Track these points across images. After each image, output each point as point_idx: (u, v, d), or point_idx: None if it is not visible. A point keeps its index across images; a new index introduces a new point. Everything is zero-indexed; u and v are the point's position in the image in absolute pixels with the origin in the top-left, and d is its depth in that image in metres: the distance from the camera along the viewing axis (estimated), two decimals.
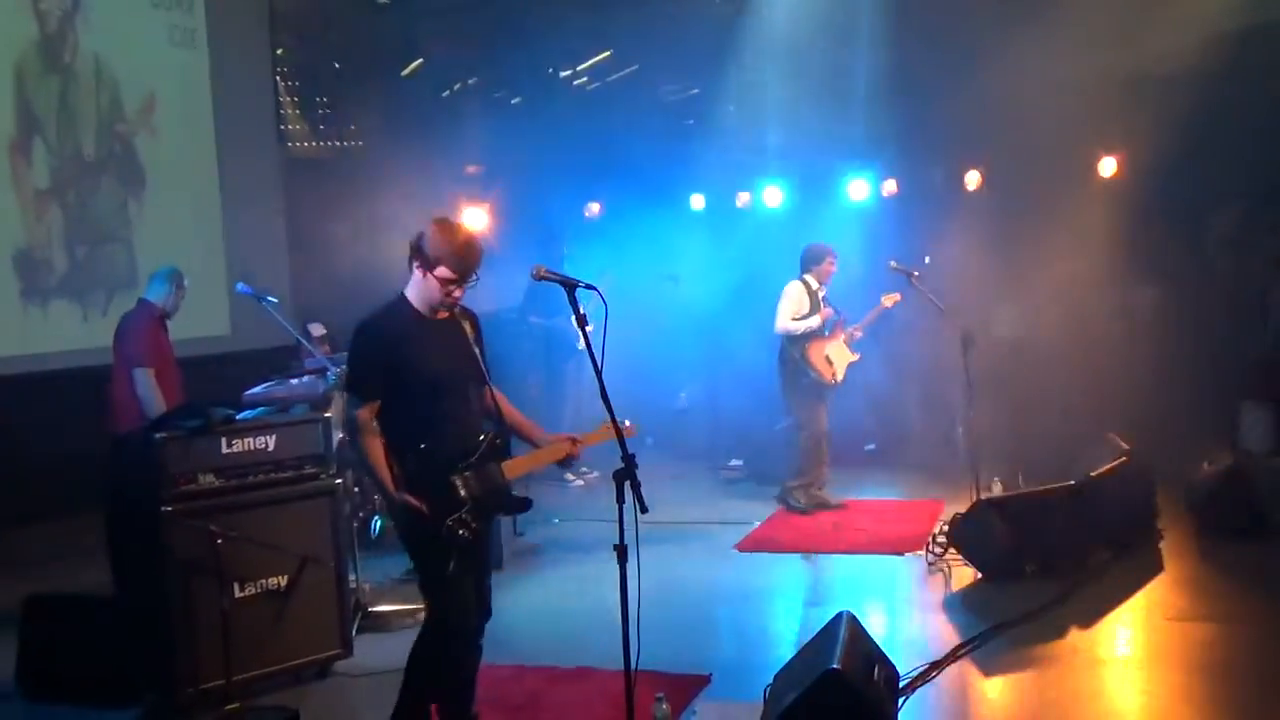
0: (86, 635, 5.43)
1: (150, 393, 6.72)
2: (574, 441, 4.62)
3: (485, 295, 4.80)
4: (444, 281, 4.38)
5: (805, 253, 8.73)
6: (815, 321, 8.54)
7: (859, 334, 8.80)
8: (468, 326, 4.59)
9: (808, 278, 8.65)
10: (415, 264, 4.42)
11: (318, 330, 9.16)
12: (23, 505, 8.26)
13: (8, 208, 8.86)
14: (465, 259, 4.38)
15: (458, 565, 4.33)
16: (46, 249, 9.15)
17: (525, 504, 4.62)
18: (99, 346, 8.53)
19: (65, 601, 5.70)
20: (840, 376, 8.63)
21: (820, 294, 8.66)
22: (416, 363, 4.37)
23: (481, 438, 4.46)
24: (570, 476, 10.22)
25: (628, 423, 4.27)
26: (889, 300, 8.78)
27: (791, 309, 8.58)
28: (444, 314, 4.51)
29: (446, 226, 4.46)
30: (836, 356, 8.65)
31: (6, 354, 8.66)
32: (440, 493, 4.31)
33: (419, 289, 4.46)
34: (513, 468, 4.51)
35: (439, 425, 4.38)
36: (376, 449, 4.33)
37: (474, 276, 4.43)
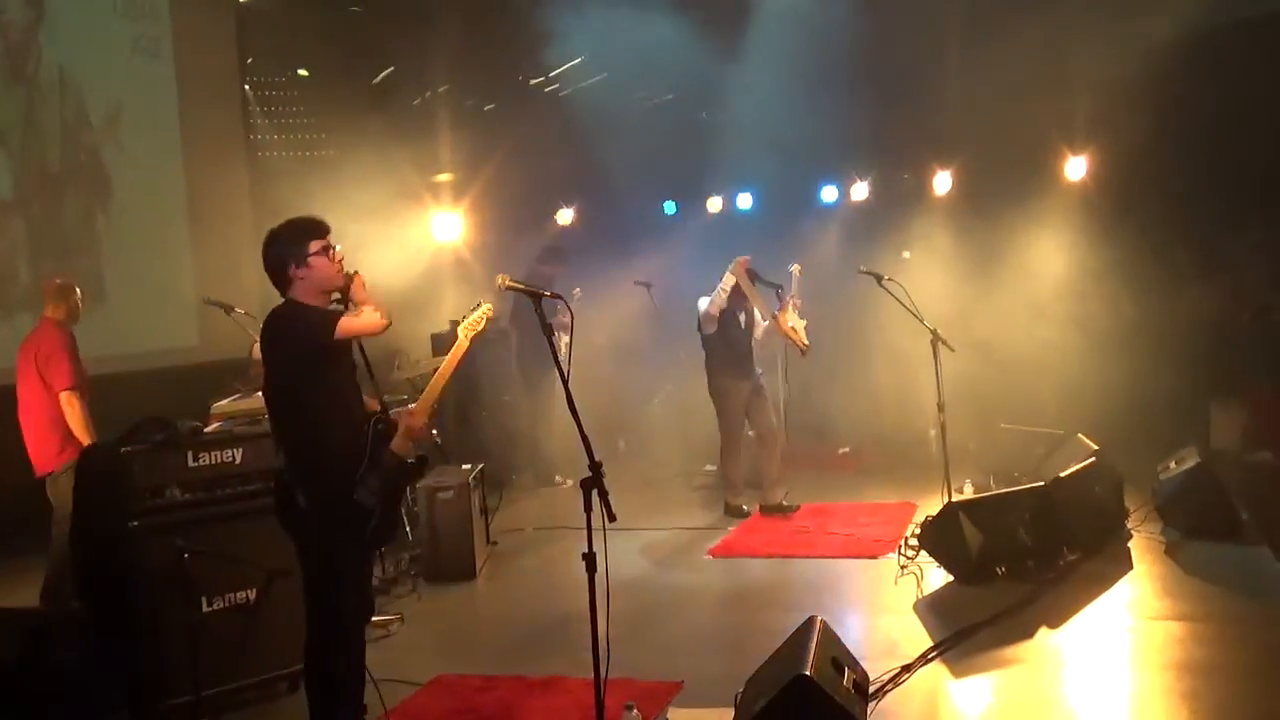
0: (52, 650, 5.36)
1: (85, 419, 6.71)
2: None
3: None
4: (324, 251, 4.53)
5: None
6: (726, 283, 8.62)
7: (799, 302, 8.87)
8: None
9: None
10: (291, 271, 4.52)
11: None
12: None
13: None
14: (313, 223, 4.59)
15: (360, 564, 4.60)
16: (11, 262, 9.08)
17: (422, 465, 4.80)
18: None
19: (29, 616, 5.64)
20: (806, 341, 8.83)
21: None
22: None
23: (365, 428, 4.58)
24: (560, 478, 10.23)
25: None
26: (796, 269, 8.99)
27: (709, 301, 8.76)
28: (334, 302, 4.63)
29: (277, 227, 4.62)
30: (797, 323, 8.81)
31: None
32: (349, 512, 4.47)
33: (311, 283, 4.53)
34: (398, 445, 4.62)
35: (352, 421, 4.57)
36: None
37: (328, 233, 4.58)
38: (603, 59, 12.32)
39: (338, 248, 4.58)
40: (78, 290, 7.06)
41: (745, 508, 8.90)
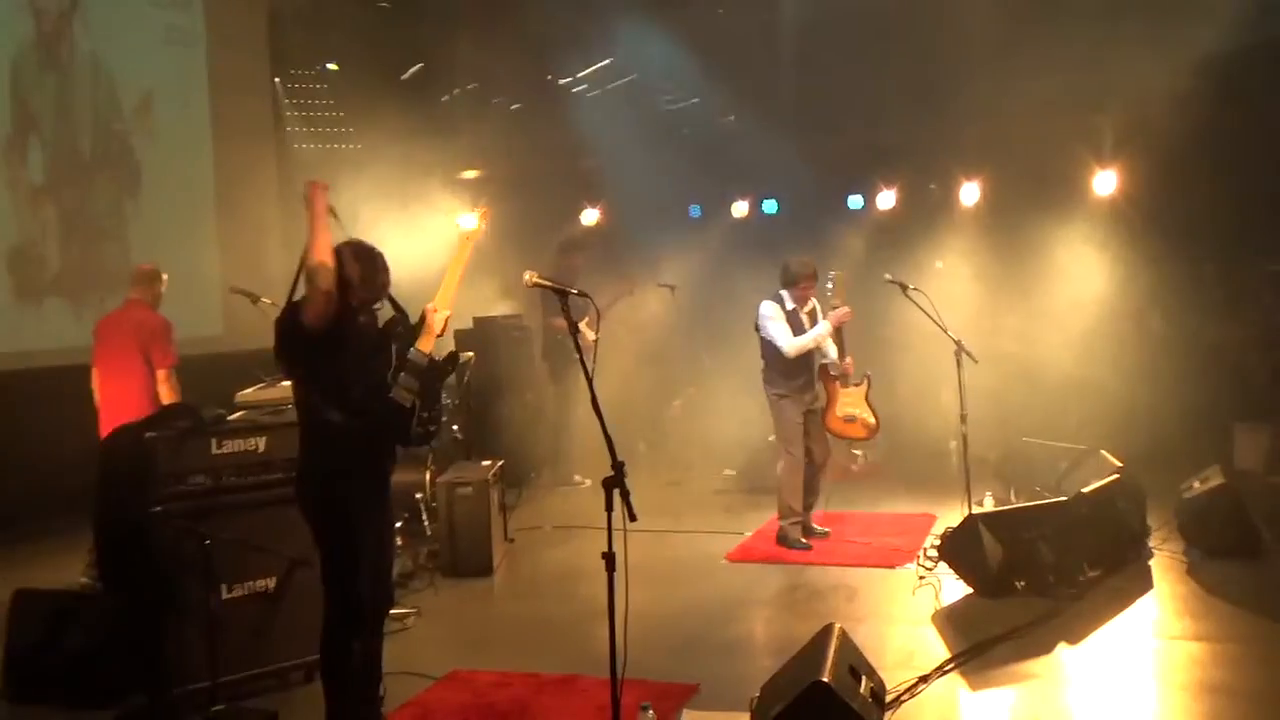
0: (73, 634, 5.41)
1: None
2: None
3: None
4: (380, 284, 4.65)
5: (783, 270, 8.04)
6: (824, 330, 7.85)
7: (851, 367, 8.14)
8: None
9: (784, 295, 8.00)
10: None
11: None
12: (10, 503, 8.25)
13: (3, 205, 8.86)
14: (377, 289, 4.65)
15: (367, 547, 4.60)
16: (41, 247, 9.15)
17: (453, 361, 4.91)
18: (91, 345, 8.53)
19: (52, 599, 5.68)
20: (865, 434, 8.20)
21: (802, 314, 8.00)
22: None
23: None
24: (579, 478, 10.24)
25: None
26: (836, 275, 8.01)
27: (785, 326, 7.89)
28: None
29: (363, 253, 4.62)
30: (857, 408, 8.09)
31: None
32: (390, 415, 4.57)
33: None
34: (424, 344, 4.73)
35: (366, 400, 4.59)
36: None
37: (380, 303, 4.67)
38: (631, 61, 12.35)
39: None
40: (164, 277, 7.47)
41: (805, 541, 8.04)
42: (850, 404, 8.11)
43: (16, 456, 8.23)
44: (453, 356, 4.88)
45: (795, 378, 7.96)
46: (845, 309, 7.87)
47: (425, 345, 4.69)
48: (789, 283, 8.01)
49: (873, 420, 8.15)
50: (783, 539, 8.08)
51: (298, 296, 4.54)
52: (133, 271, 7.59)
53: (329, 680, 4.59)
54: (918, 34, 10.75)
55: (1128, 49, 9.57)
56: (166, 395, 7.23)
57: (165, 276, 7.53)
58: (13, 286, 8.91)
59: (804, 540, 8.05)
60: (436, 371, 4.76)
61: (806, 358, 8.01)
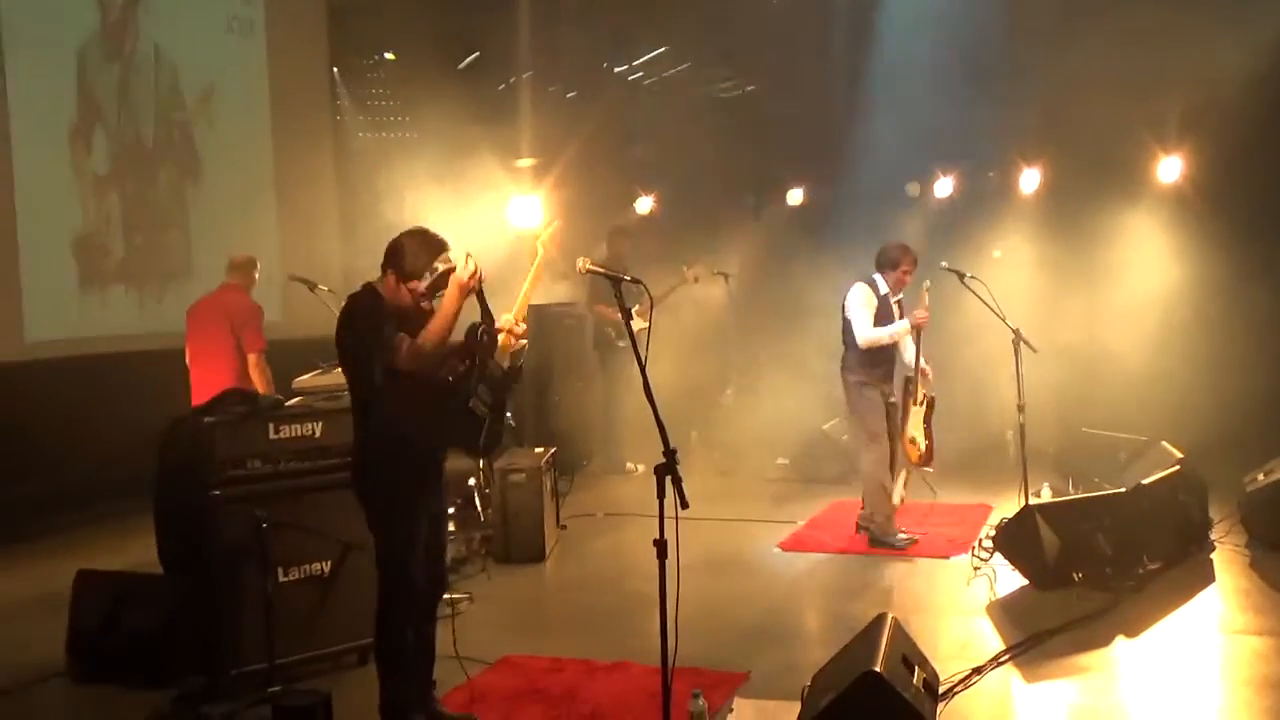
0: (133, 614, 5.52)
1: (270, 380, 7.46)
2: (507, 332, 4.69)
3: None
4: (414, 293, 4.54)
5: (881, 252, 7.72)
6: (902, 328, 7.54)
7: (929, 371, 7.78)
8: None
9: (879, 278, 7.65)
10: (389, 270, 4.56)
11: None
12: (76, 488, 8.42)
13: (68, 193, 9.03)
14: (439, 276, 4.53)
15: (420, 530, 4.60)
16: (105, 235, 9.31)
17: (516, 373, 4.78)
18: (154, 332, 8.69)
19: (113, 581, 5.79)
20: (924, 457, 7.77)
21: (894, 300, 7.67)
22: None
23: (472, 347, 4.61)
24: (631, 465, 10.26)
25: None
26: (926, 286, 7.65)
27: (870, 315, 7.54)
28: None
29: (427, 241, 4.58)
30: (917, 430, 7.72)
31: (64, 337, 8.83)
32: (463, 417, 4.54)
33: (389, 291, 4.58)
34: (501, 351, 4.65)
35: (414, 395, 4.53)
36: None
37: (440, 292, 4.56)
38: (686, 49, 12.31)
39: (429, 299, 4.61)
40: (259, 263, 7.85)
41: (906, 535, 7.66)
42: (912, 424, 7.75)
43: (81, 442, 8.40)
44: (515, 370, 4.76)
45: (877, 366, 7.65)
46: (926, 313, 7.50)
47: (496, 356, 4.63)
48: (889, 265, 7.62)
49: (924, 446, 7.74)
50: (878, 541, 7.61)
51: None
52: (229, 259, 7.85)
53: (382, 663, 4.64)
54: (978, 16, 10.59)
55: (1194, 29, 9.38)
56: (257, 379, 7.46)
57: (260, 263, 7.86)
58: (78, 275, 9.08)
59: (904, 535, 7.64)
60: (506, 383, 4.70)
61: (890, 348, 7.69)
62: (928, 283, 7.65)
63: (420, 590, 4.65)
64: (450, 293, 4.47)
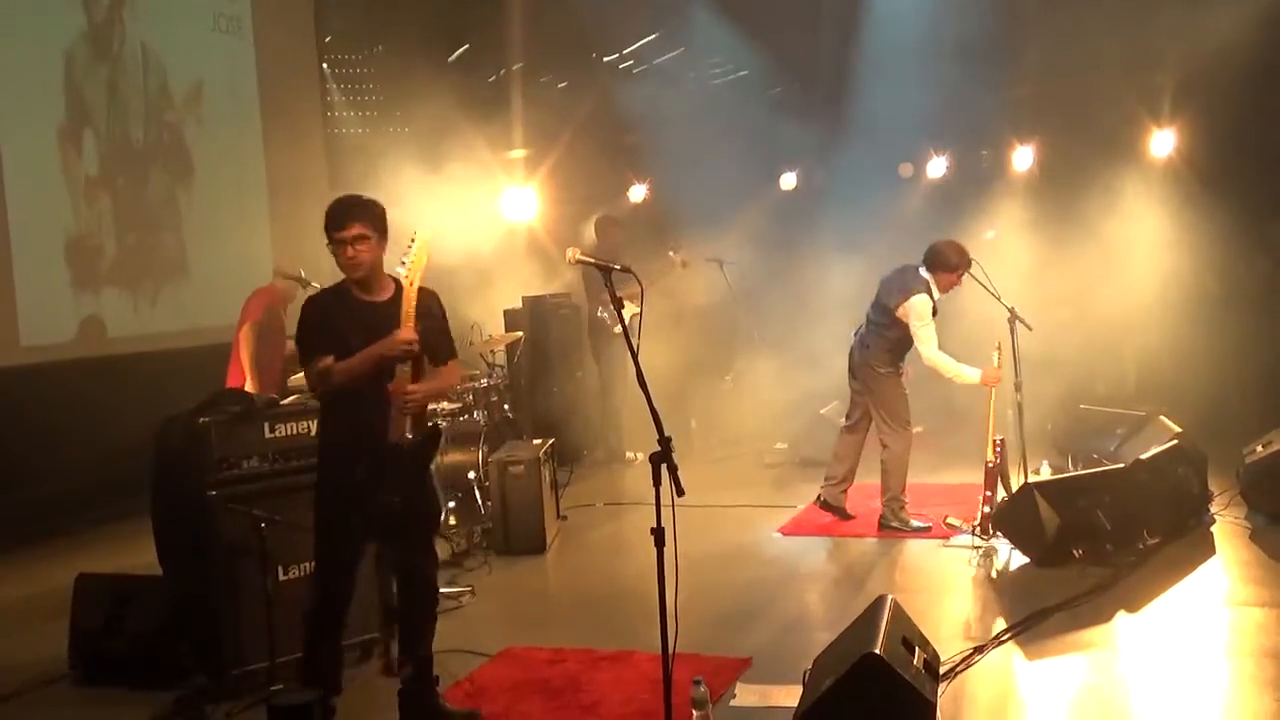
0: (134, 616, 5.51)
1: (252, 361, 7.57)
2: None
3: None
4: (330, 243, 4.59)
5: (935, 253, 7.34)
6: (970, 378, 7.23)
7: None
8: (432, 305, 4.72)
9: (931, 282, 7.33)
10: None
11: None
12: (74, 491, 8.41)
13: (59, 195, 8.99)
14: (331, 214, 4.59)
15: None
16: (98, 236, 9.28)
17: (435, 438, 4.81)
18: (148, 334, 8.67)
19: (114, 582, 5.79)
20: None
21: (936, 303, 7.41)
22: (341, 336, 4.52)
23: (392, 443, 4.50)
24: (630, 454, 10.24)
25: None
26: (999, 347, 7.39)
27: (934, 328, 7.23)
28: (386, 294, 4.63)
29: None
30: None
31: (58, 341, 8.81)
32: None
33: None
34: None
35: (356, 403, 4.51)
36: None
37: (347, 228, 4.53)
38: (676, 35, 12.27)
39: (349, 249, 4.55)
40: (302, 271, 7.86)
41: (916, 521, 7.58)
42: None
43: (78, 445, 8.38)
44: (430, 434, 4.74)
45: (904, 359, 7.59)
46: (999, 376, 7.26)
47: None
48: (944, 267, 7.30)
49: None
50: (890, 524, 7.56)
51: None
52: (277, 263, 8.16)
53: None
54: None
55: (1185, 2, 9.36)
56: (244, 354, 7.56)
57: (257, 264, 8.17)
58: (71, 277, 9.06)
59: (914, 521, 7.58)
60: (423, 453, 4.71)
61: (909, 340, 7.42)
62: (999, 343, 7.35)
63: (331, 598, 4.67)
64: (370, 353, 4.46)
